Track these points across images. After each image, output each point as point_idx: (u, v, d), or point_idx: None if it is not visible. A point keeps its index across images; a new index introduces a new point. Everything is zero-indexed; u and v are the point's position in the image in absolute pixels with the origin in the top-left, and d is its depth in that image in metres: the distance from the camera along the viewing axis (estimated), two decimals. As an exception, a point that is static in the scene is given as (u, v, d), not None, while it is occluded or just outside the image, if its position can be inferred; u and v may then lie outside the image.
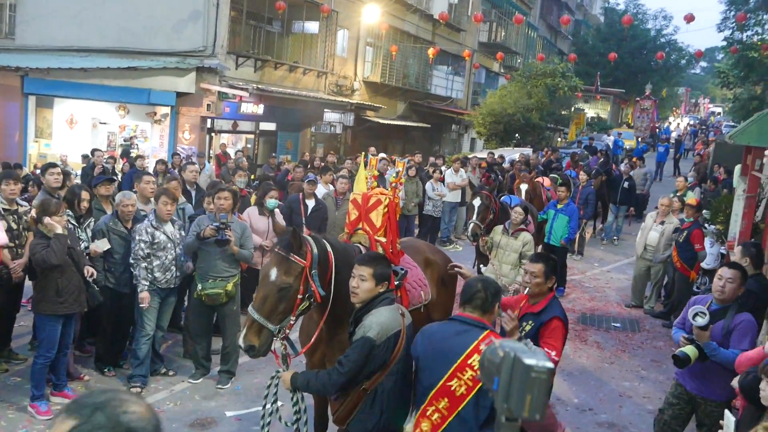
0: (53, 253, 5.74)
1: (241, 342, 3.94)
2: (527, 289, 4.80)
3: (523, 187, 11.81)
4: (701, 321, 4.59)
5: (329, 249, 4.24)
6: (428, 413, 3.61)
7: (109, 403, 1.62)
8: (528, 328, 4.63)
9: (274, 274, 3.95)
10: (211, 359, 7.12)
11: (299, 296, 4.02)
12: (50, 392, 6.23)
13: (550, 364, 1.50)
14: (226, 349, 6.97)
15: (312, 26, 21.99)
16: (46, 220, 5.85)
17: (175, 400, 6.54)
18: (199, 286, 6.73)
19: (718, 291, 4.92)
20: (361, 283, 3.83)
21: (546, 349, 4.44)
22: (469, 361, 3.51)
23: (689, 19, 18.43)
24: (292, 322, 4.07)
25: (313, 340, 4.37)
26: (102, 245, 6.70)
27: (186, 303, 7.80)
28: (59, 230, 5.85)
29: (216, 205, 6.83)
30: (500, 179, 15.61)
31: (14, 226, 6.72)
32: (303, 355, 4.72)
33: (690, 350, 4.68)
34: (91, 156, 14.78)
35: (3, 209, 6.62)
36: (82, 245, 6.61)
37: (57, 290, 5.88)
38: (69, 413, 1.61)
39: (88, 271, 6.26)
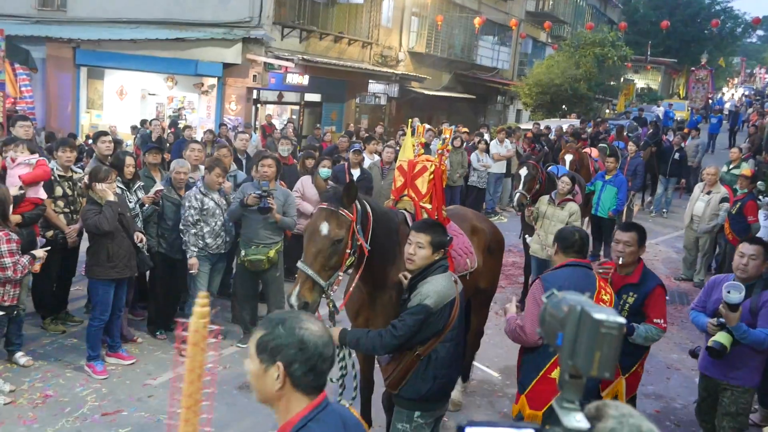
0: (105, 220, 5.89)
1: (294, 300, 3.86)
2: (620, 259, 4.66)
3: (568, 157, 11.60)
4: (735, 297, 4.22)
5: (369, 209, 4.26)
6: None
7: (289, 319, 2.08)
8: (631, 300, 4.57)
9: (325, 228, 3.93)
10: (257, 324, 7.24)
11: (348, 250, 4.03)
12: (105, 353, 6.44)
13: (621, 319, 1.41)
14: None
15: (357, -4, 21.87)
16: (98, 187, 6.00)
17: (224, 363, 6.69)
18: (243, 252, 6.82)
19: (741, 269, 4.54)
20: (419, 250, 3.83)
21: (656, 320, 4.52)
22: (602, 296, 4.05)
23: (747, -16, 17.73)
24: (340, 278, 4.10)
25: (347, 297, 4.45)
26: (156, 187, 6.95)
27: (234, 270, 7.94)
28: (111, 197, 5.99)
29: (260, 173, 6.90)
30: (545, 150, 15.39)
31: (69, 192, 6.91)
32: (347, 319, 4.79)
33: (724, 338, 4.34)
34: (140, 126, 15.08)
35: (59, 176, 6.81)
36: (136, 208, 6.78)
37: (108, 255, 6.03)
38: (261, 326, 2.12)
39: (138, 236, 6.39)
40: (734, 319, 4.28)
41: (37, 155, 6.70)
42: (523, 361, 4.22)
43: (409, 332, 3.70)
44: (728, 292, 4.26)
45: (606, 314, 1.40)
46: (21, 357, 6.23)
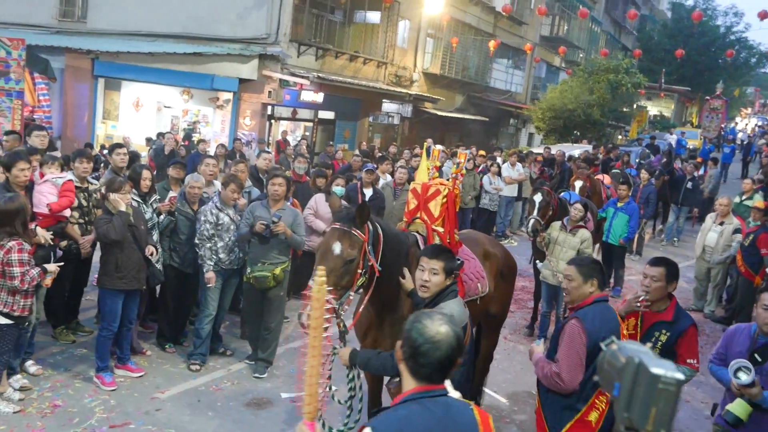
0: (113, 229, 5.93)
1: (305, 318, 3.79)
2: (647, 293, 4.41)
3: (578, 183, 11.58)
4: (745, 378, 3.91)
5: (380, 230, 4.28)
6: (596, 404, 3.83)
7: (421, 313, 2.51)
8: (664, 338, 4.34)
9: (338, 247, 3.98)
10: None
11: (359, 270, 4.06)
12: (114, 365, 6.45)
13: (680, 375, 1.36)
14: (268, 334, 6.92)
15: (374, 16, 22.04)
16: (111, 196, 6.06)
17: (233, 379, 6.70)
18: (248, 270, 6.78)
19: (767, 324, 4.20)
20: (433, 276, 3.79)
21: (689, 360, 4.30)
22: (623, 331, 4.05)
23: (763, 15, 17.79)
24: (351, 297, 4.12)
25: (356, 317, 4.49)
26: (170, 194, 7.06)
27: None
28: (122, 207, 6.04)
29: (270, 191, 6.84)
30: (557, 174, 15.39)
31: (84, 203, 6.96)
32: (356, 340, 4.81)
33: (741, 410, 4.02)
34: (156, 138, 15.19)
35: (75, 186, 6.86)
36: (153, 218, 6.84)
37: (116, 266, 6.06)
38: None
39: (149, 249, 6.37)
40: (757, 394, 4.00)
41: (66, 174, 6.77)
42: (549, 400, 4.02)
43: None
44: (736, 373, 3.98)
45: (664, 369, 1.36)
46: (31, 366, 6.25)
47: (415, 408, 2.32)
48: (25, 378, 5.97)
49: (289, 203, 8.00)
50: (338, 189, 8.46)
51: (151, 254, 6.41)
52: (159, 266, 6.68)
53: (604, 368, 1.51)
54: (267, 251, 6.71)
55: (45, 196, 6.40)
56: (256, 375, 6.80)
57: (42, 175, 6.60)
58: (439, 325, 2.40)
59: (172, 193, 7.13)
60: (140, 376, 6.45)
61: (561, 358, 3.88)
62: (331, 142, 18.78)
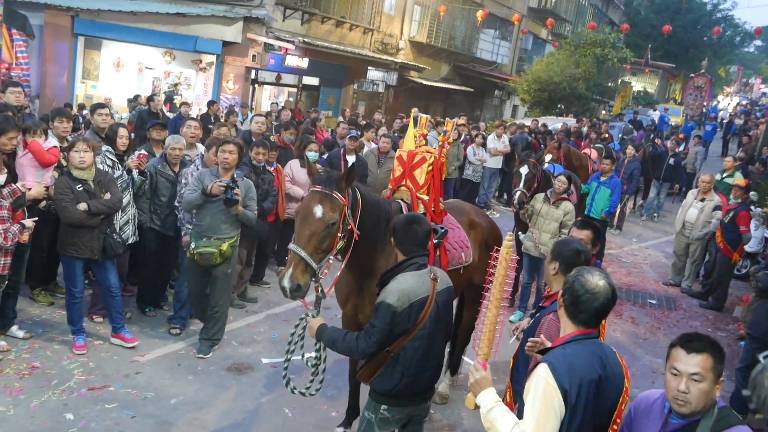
0: (71, 215, 5.74)
1: (286, 282, 3.80)
2: None
3: (547, 157, 11.43)
4: None
5: (359, 196, 4.24)
6: None
7: (580, 268, 2.92)
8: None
9: (320, 210, 3.91)
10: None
11: (339, 234, 4.01)
12: (111, 334, 6.32)
13: None
14: (215, 313, 6.39)
15: (361, -19, 21.75)
16: (70, 155, 5.87)
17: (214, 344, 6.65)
18: (192, 245, 6.16)
19: (679, 400, 2.57)
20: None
21: None
22: None
23: (751, -7, 17.71)
24: (330, 262, 4.07)
25: (334, 282, 4.46)
26: (139, 150, 6.86)
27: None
28: (78, 169, 5.87)
29: (220, 159, 6.16)
30: (541, 147, 15.33)
31: (64, 163, 6.81)
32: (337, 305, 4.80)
33: None
34: (132, 101, 14.95)
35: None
36: (123, 175, 6.63)
37: (67, 233, 5.88)
38: None
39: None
40: None
41: (50, 141, 6.59)
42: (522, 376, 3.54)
43: (383, 335, 3.61)
44: None
45: None
46: (18, 330, 6.16)
47: (576, 346, 2.77)
48: (2, 339, 5.90)
49: (272, 168, 7.92)
50: (311, 154, 8.31)
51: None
52: (131, 229, 6.54)
53: (765, 385, 1.38)
54: (216, 225, 6.14)
55: (28, 172, 6.28)
56: (200, 355, 6.32)
57: (25, 143, 6.36)
58: (598, 279, 2.81)
59: (141, 150, 6.91)
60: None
61: None
62: (315, 108, 18.61)
